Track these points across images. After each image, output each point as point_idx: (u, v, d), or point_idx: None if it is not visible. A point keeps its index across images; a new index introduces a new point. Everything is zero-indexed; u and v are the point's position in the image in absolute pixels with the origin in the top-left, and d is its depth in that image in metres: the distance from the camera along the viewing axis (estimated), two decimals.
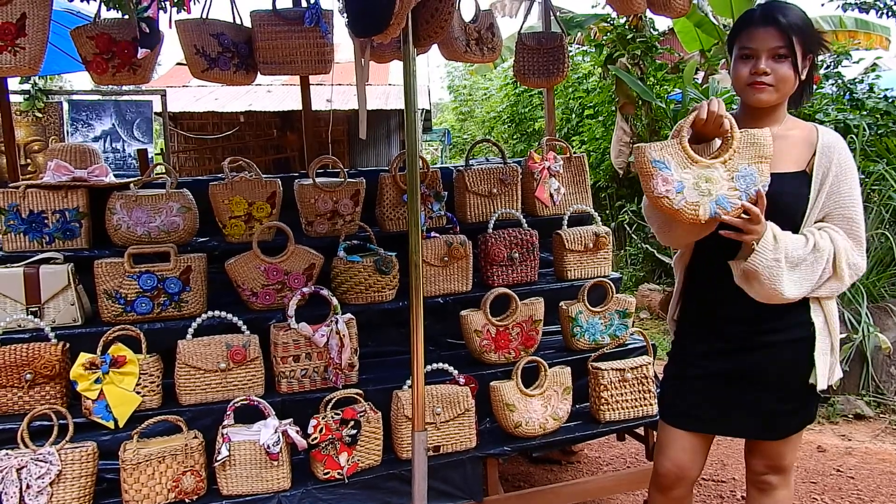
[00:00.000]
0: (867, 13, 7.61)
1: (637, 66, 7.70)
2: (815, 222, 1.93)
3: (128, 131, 8.05)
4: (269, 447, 2.43)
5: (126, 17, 2.97)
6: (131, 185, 2.94)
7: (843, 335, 4.25)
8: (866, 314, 4.41)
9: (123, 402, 2.51)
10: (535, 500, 2.90)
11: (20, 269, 2.63)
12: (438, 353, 2.99)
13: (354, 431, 2.55)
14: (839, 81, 6.22)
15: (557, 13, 3.88)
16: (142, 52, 2.86)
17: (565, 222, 3.33)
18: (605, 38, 8.00)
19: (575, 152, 3.61)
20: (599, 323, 3.13)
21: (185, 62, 3.17)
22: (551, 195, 3.43)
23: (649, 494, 2.22)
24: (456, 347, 3.13)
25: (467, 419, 2.75)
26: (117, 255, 2.72)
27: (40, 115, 7.67)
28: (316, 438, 2.50)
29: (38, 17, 2.64)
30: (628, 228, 7.84)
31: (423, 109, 10.88)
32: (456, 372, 2.80)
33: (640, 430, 3.17)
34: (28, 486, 2.26)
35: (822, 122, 5.32)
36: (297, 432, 2.50)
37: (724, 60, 7.56)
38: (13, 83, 7.35)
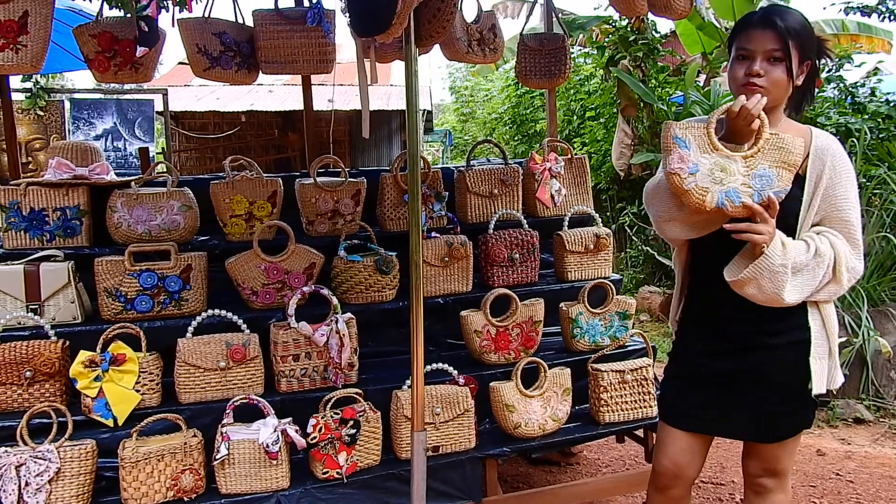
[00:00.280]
0: (869, 17, 7.63)
1: (639, 68, 7.70)
2: (812, 226, 1.93)
3: (129, 130, 8.06)
4: (268, 446, 2.43)
5: (128, 15, 2.97)
6: (132, 183, 2.94)
7: (844, 339, 4.24)
8: (867, 318, 4.40)
9: (123, 400, 2.51)
10: (534, 502, 2.90)
11: (20, 267, 2.63)
12: (438, 354, 2.99)
13: (354, 431, 2.55)
14: (841, 85, 6.21)
15: (559, 15, 3.88)
16: (140, 51, 2.86)
17: (566, 223, 3.33)
18: (606, 40, 8.00)
19: (576, 154, 3.61)
20: (599, 324, 3.13)
21: (186, 61, 3.17)
22: (552, 196, 3.43)
23: (648, 494, 2.22)
24: (456, 348, 3.12)
25: (467, 420, 2.75)
26: (118, 254, 2.73)
27: (42, 113, 7.67)
28: (315, 438, 2.50)
29: (40, 14, 2.65)
30: (629, 231, 7.83)
31: (424, 110, 10.88)
32: (455, 372, 2.80)
33: (640, 433, 3.16)
34: (27, 484, 2.26)
35: (823, 126, 5.32)
36: (297, 431, 2.50)
37: (725, 63, 7.55)
38: (15, 81, 7.36)
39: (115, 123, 8.01)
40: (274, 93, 10.16)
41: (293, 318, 2.64)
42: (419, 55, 2.18)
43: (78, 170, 2.87)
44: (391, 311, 3.03)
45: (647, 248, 7.40)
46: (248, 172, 3.08)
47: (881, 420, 4.23)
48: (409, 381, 2.59)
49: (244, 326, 2.70)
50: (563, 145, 3.60)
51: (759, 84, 1.87)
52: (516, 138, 11.45)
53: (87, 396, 2.48)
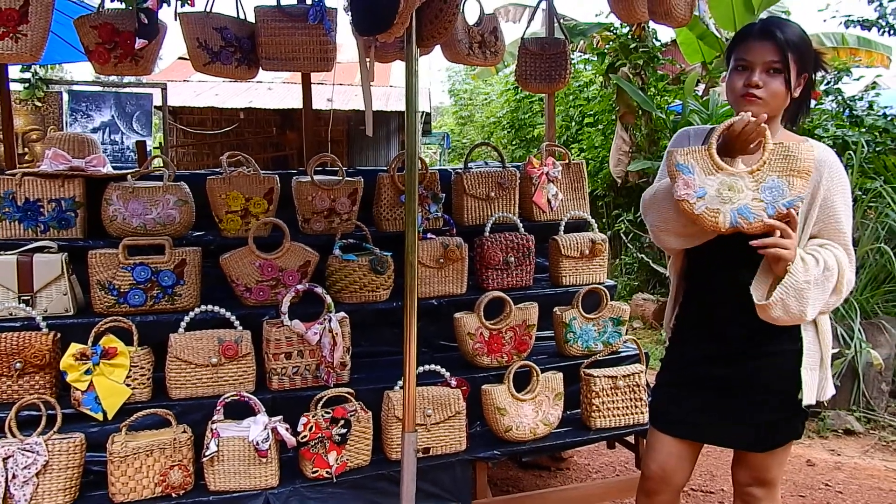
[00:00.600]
0: (869, 31, 7.66)
1: (638, 75, 7.73)
2: (810, 237, 1.93)
3: (127, 124, 8.03)
4: (258, 444, 2.42)
5: (129, 7, 2.96)
6: (128, 176, 2.92)
7: (836, 350, 4.25)
8: (859, 330, 4.41)
9: (113, 393, 2.50)
10: None
11: (13, 257, 2.62)
12: (431, 355, 2.99)
13: (344, 431, 2.55)
14: (839, 98, 6.24)
15: (561, 20, 3.88)
16: (139, 43, 2.84)
17: (562, 228, 3.33)
18: (607, 46, 8.02)
19: (574, 159, 3.62)
20: (593, 330, 3.13)
21: (186, 56, 3.16)
22: (549, 201, 3.43)
23: (636, 500, 2.22)
24: (449, 350, 3.12)
25: (458, 422, 2.75)
26: (112, 246, 2.71)
27: (40, 104, 7.64)
28: (305, 436, 2.49)
29: (41, 4, 2.64)
30: (624, 238, 7.85)
31: (423, 112, 10.88)
32: (448, 374, 2.79)
33: (631, 439, 3.16)
34: (14, 476, 2.25)
35: (820, 138, 5.34)
36: (287, 430, 2.49)
37: (724, 73, 7.58)
38: (14, 71, 7.34)
39: (113, 117, 7.98)
40: (273, 91, 10.14)
41: (286, 315, 2.63)
42: (420, 56, 2.18)
43: (74, 161, 2.85)
44: (385, 311, 3.02)
45: (642, 255, 7.41)
46: (245, 169, 3.07)
47: (871, 432, 4.24)
48: (401, 382, 2.58)
49: (237, 323, 2.69)
50: (561, 150, 3.61)
51: (757, 95, 1.87)
52: (514, 143, 11.47)
53: (77, 389, 2.47)
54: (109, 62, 2.93)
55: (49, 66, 8.37)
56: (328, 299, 2.72)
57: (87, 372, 2.46)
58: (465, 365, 2.99)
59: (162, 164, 3.22)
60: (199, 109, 10.09)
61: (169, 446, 2.41)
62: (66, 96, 7.90)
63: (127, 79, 8.17)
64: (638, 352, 3.15)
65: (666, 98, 8.03)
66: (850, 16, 7.80)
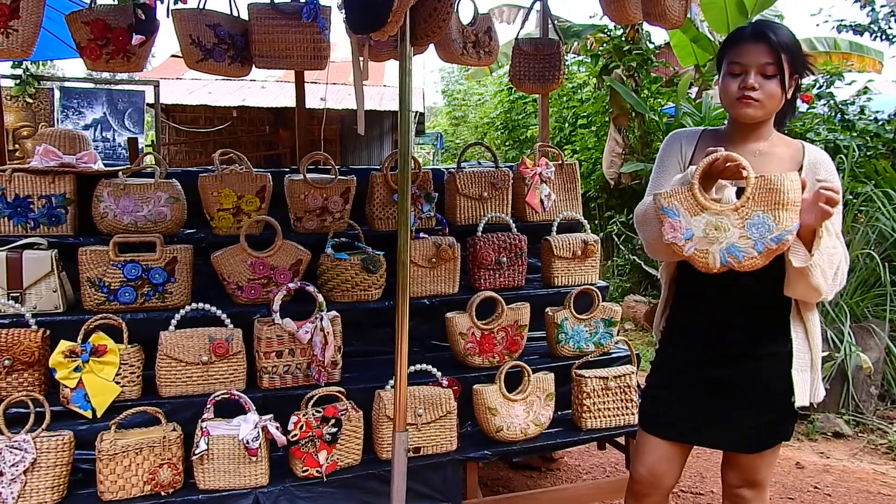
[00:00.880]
0: (861, 35, 7.70)
1: (632, 78, 7.74)
2: None
3: (119, 121, 8.00)
4: (248, 442, 2.41)
5: (123, 4, 2.95)
6: (120, 173, 2.91)
7: (826, 353, 4.27)
8: (849, 333, 4.44)
9: (102, 391, 2.48)
10: None
11: (3, 254, 2.60)
12: (423, 355, 2.98)
13: (335, 430, 2.54)
14: (831, 102, 6.28)
15: (555, 21, 3.89)
16: (136, 39, 2.83)
17: (554, 229, 3.33)
18: (601, 48, 8.04)
19: (567, 160, 3.62)
20: (584, 330, 3.14)
21: (179, 54, 3.15)
22: (542, 201, 3.44)
23: (625, 502, 2.22)
24: (440, 349, 3.12)
25: (449, 421, 2.74)
26: (102, 244, 2.70)
27: (31, 100, 7.60)
28: (296, 435, 2.49)
29: None
30: (617, 239, 7.86)
31: (416, 112, 10.87)
32: (439, 374, 2.79)
33: (621, 440, 3.17)
34: (1, 474, 2.23)
35: (812, 142, 5.36)
36: (277, 428, 2.49)
37: (717, 77, 7.61)
38: (4, 67, 7.31)
39: (104, 114, 7.95)
40: (266, 89, 10.11)
41: (278, 314, 2.62)
42: (414, 55, 2.18)
43: (65, 158, 2.83)
44: (377, 310, 3.02)
45: (634, 257, 7.43)
46: (238, 167, 3.07)
47: (860, 435, 4.26)
48: (392, 381, 2.58)
49: (228, 321, 2.68)
50: (554, 151, 3.61)
51: (754, 97, 1.88)
52: (508, 143, 11.47)
53: (66, 387, 2.45)
54: (101, 59, 2.92)
55: (40, 63, 8.31)
56: (320, 298, 2.71)
57: (77, 369, 2.45)
58: (457, 365, 2.99)
59: (154, 162, 3.21)
60: (192, 107, 10.05)
61: (158, 444, 2.39)
62: (57, 93, 7.87)
63: (119, 76, 8.16)
64: (629, 353, 3.15)
65: (659, 100, 8.05)
66: (842, 20, 7.84)
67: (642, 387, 2.28)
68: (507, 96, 11.38)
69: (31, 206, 2.76)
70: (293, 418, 2.50)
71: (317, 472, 2.52)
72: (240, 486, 2.45)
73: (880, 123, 6.10)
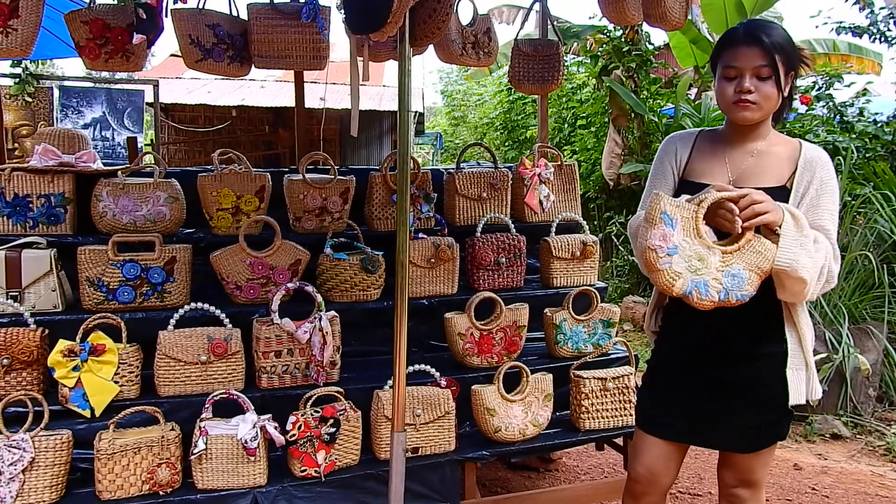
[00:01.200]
0: (860, 37, 7.70)
1: (631, 78, 7.75)
2: None
3: (118, 120, 8.00)
4: (246, 442, 2.42)
5: (122, 3, 2.95)
6: (119, 172, 2.91)
7: (824, 355, 4.27)
8: (847, 335, 4.44)
9: (101, 391, 2.48)
10: None
11: (1, 253, 2.60)
12: (421, 355, 2.99)
13: (333, 430, 2.54)
14: (830, 104, 6.28)
15: (555, 22, 3.89)
16: (137, 38, 2.84)
17: (553, 229, 3.33)
18: (600, 49, 8.04)
19: (566, 161, 3.62)
20: (583, 331, 3.14)
21: (179, 53, 3.15)
22: (541, 202, 3.44)
23: (623, 502, 2.23)
24: (439, 350, 3.12)
25: (447, 422, 2.74)
26: (101, 243, 2.70)
27: (30, 99, 7.60)
28: (294, 435, 2.49)
29: None
30: (615, 240, 7.87)
31: (416, 112, 10.87)
32: (438, 374, 2.79)
33: (619, 441, 3.17)
34: (0, 473, 2.23)
35: (811, 143, 5.36)
36: (276, 428, 2.49)
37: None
38: (4, 66, 7.30)
39: (104, 113, 7.94)
40: (266, 89, 10.11)
41: (276, 314, 2.63)
42: (413, 55, 2.18)
43: (64, 157, 2.83)
44: (375, 310, 3.02)
45: (633, 258, 7.43)
46: (237, 166, 3.07)
47: (858, 437, 4.26)
48: (390, 382, 2.58)
49: (227, 321, 2.68)
50: (553, 151, 3.61)
51: (751, 100, 1.89)
52: (507, 144, 11.48)
53: (65, 386, 2.45)
54: (100, 58, 2.92)
55: (40, 62, 8.31)
56: (319, 298, 2.71)
57: (75, 369, 2.45)
58: (455, 365, 2.99)
59: (153, 161, 3.21)
60: (191, 107, 10.05)
61: (157, 444, 2.40)
62: (56, 92, 7.86)
63: (119, 75, 8.14)
64: (628, 354, 3.15)
65: (658, 101, 8.05)
66: (841, 22, 7.84)
67: (639, 386, 2.29)
68: (506, 97, 11.38)
69: (31, 205, 2.76)
70: (292, 418, 2.50)
71: (315, 471, 2.52)
72: (238, 485, 2.45)
73: (879, 125, 6.10)
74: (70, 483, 2.39)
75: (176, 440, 2.44)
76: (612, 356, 3.19)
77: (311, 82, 7.12)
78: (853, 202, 5.11)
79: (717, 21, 6.73)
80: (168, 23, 3.05)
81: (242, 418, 2.47)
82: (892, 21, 7.32)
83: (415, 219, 3.23)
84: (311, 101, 6.47)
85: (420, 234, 3.14)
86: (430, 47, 3.19)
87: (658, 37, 8.78)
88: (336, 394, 2.63)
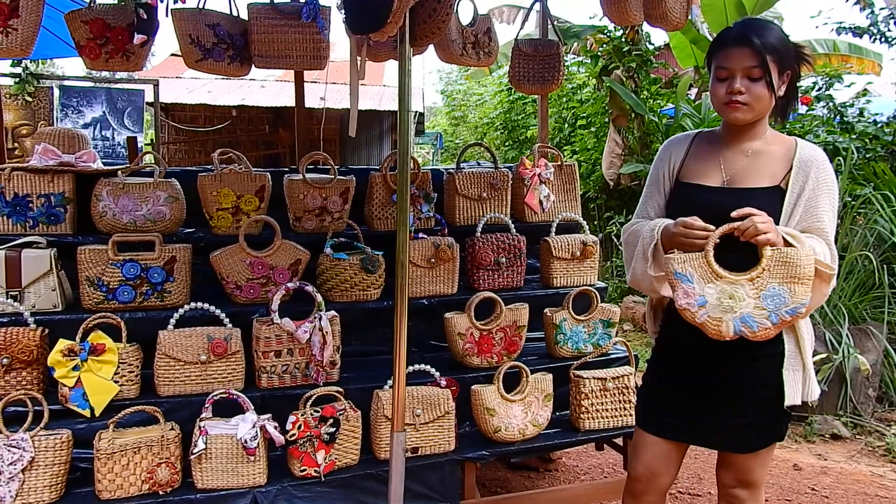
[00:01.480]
0: (860, 38, 7.70)
1: (631, 79, 7.75)
2: None
3: (118, 120, 7.99)
4: (246, 442, 2.42)
5: (122, 3, 2.95)
6: (119, 172, 2.91)
7: (824, 355, 4.27)
8: (847, 335, 4.44)
9: (101, 390, 2.48)
10: None
11: (1, 253, 2.60)
12: (421, 355, 2.99)
13: (333, 429, 2.54)
14: (830, 104, 6.28)
15: (555, 22, 3.89)
16: (138, 38, 2.84)
17: (553, 229, 3.33)
18: (600, 49, 8.04)
19: (566, 161, 3.62)
20: (583, 331, 3.14)
21: (179, 53, 3.15)
22: (541, 202, 3.44)
23: (623, 501, 2.23)
24: (439, 349, 3.12)
25: (447, 422, 2.74)
26: (101, 243, 2.71)
27: (30, 99, 7.59)
28: (294, 435, 2.49)
29: None
30: (615, 240, 7.86)
31: (416, 112, 10.87)
32: (438, 374, 2.79)
33: (619, 441, 3.17)
34: (0, 472, 2.23)
35: (808, 142, 5.35)
36: (276, 428, 2.49)
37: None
38: (4, 66, 7.30)
39: (104, 112, 7.94)
40: (266, 88, 10.11)
41: (276, 313, 2.63)
42: (413, 55, 2.18)
43: (64, 157, 2.84)
44: (375, 310, 3.02)
45: None
46: (237, 166, 3.07)
47: (858, 437, 4.26)
48: (390, 381, 2.58)
49: (227, 320, 2.68)
50: (553, 151, 3.61)
51: (741, 101, 1.89)
52: (507, 144, 11.47)
53: (65, 386, 2.45)
54: (100, 58, 2.92)
55: (40, 61, 8.31)
56: (318, 298, 2.71)
57: (75, 368, 2.45)
58: (455, 365, 2.99)
59: (153, 161, 3.21)
60: (192, 106, 10.05)
61: (156, 443, 2.40)
62: (56, 91, 7.85)
63: (119, 75, 8.14)
64: (627, 354, 3.15)
65: (659, 101, 8.05)
66: (841, 23, 7.85)
67: (639, 386, 2.29)
68: (506, 97, 11.38)
69: (31, 204, 2.76)
70: (291, 418, 2.50)
71: (315, 471, 2.52)
72: (238, 485, 2.45)
73: (879, 126, 6.10)
74: (70, 483, 2.39)
75: (176, 440, 2.44)
76: (612, 356, 3.19)
77: (312, 82, 7.13)
78: (853, 203, 5.11)
79: (717, 21, 6.74)
80: (168, 23, 3.05)
81: (242, 418, 2.47)
82: (892, 21, 7.32)
83: (415, 219, 3.23)
84: (312, 101, 6.48)
85: (420, 234, 3.14)
86: (431, 47, 3.19)
87: (658, 37, 8.80)
88: (336, 393, 2.63)
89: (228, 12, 3.16)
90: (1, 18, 2.57)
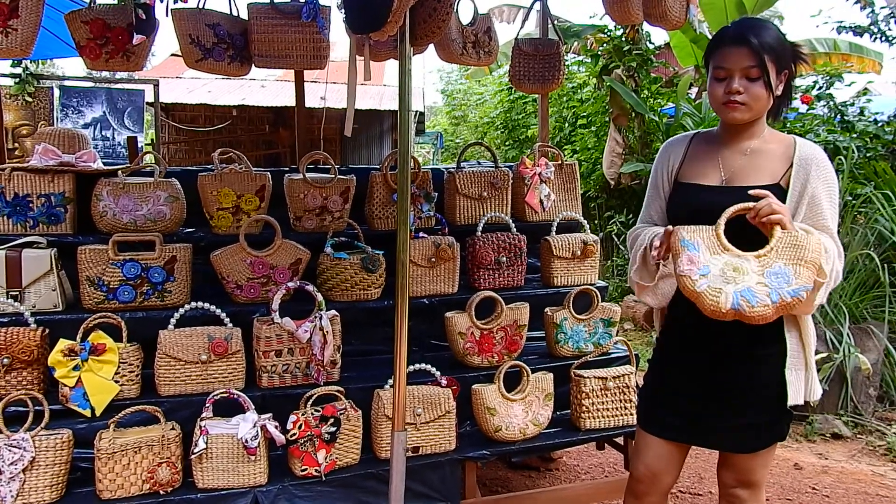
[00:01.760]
0: (861, 37, 7.69)
1: (632, 78, 7.75)
2: None
3: (118, 120, 7.99)
4: (247, 441, 2.42)
5: (122, 3, 2.95)
6: (119, 172, 2.91)
7: (824, 354, 4.27)
8: (847, 335, 4.44)
9: (101, 390, 2.48)
10: None
11: (2, 253, 2.60)
12: (422, 354, 2.98)
13: (334, 429, 2.54)
14: (831, 103, 6.28)
15: (555, 21, 3.89)
16: (137, 39, 2.84)
17: (554, 229, 3.33)
18: (601, 48, 8.04)
19: (567, 160, 3.62)
20: (584, 330, 3.14)
21: (179, 53, 3.15)
22: (541, 201, 3.44)
23: (624, 501, 2.23)
24: (439, 349, 3.12)
25: (448, 421, 2.74)
26: (102, 242, 2.71)
27: (30, 99, 7.60)
28: (295, 434, 2.49)
29: None
30: (616, 239, 7.87)
31: (416, 111, 10.86)
32: (438, 373, 2.79)
33: (620, 440, 3.17)
34: (0, 472, 2.23)
35: (807, 140, 5.35)
36: (276, 427, 2.49)
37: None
38: (4, 66, 7.30)
39: (104, 112, 7.94)
40: (266, 88, 10.10)
41: (277, 313, 2.62)
42: (413, 55, 2.18)
43: (64, 156, 2.84)
44: (376, 309, 3.02)
45: None
46: (237, 166, 3.07)
47: (858, 436, 4.26)
48: (391, 381, 2.58)
49: (227, 320, 2.68)
50: (554, 151, 3.61)
51: (739, 101, 1.89)
52: (507, 143, 11.48)
53: (66, 386, 2.45)
54: (101, 58, 2.92)
55: (40, 61, 8.31)
56: (319, 297, 2.71)
57: (76, 368, 2.45)
58: (456, 364, 2.99)
59: (153, 161, 3.21)
60: (192, 106, 10.04)
61: (157, 443, 2.40)
62: (56, 91, 7.85)
63: (119, 75, 8.14)
64: (628, 353, 3.15)
65: (659, 101, 8.05)
66: (842, 22, 7.83)
67: (640, 386, 2.29)
68: (507, 96, 11.38)
69: (31, 204, 2.76)
70: (292, 417, 2.50)
71: (315, 471, 2.52)
72: (238, 485, 2.45)
73: (880, 125, 6.10)
74: (70, 482, 2.39)
75: (176, 439, 2.44)
76: (613, 355, 3.19)
77: (312, 82, 7.13)
78: (854, 202, 5.11)
79: (717, 20, 6.74)
80: (168, 22, 3.05)
81: (243, 417, 2.47)
82: (892, 20, 7.31)
83: (415, 218, 3.23)
84: (312, 101, 6.47)
85: (420, 234, 3.14)
86: (431, 47, 3.19)
87: (658, 36, 8.79)
88: (336, 393, 2.63)
89: (228, 12, 3.16)
90: (1, 18, 2.56)
